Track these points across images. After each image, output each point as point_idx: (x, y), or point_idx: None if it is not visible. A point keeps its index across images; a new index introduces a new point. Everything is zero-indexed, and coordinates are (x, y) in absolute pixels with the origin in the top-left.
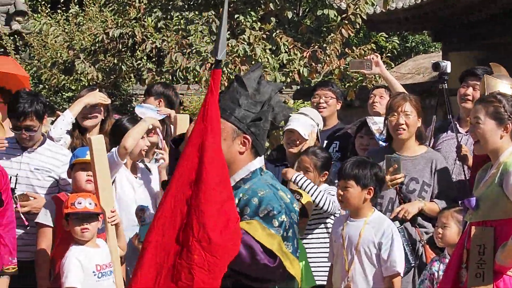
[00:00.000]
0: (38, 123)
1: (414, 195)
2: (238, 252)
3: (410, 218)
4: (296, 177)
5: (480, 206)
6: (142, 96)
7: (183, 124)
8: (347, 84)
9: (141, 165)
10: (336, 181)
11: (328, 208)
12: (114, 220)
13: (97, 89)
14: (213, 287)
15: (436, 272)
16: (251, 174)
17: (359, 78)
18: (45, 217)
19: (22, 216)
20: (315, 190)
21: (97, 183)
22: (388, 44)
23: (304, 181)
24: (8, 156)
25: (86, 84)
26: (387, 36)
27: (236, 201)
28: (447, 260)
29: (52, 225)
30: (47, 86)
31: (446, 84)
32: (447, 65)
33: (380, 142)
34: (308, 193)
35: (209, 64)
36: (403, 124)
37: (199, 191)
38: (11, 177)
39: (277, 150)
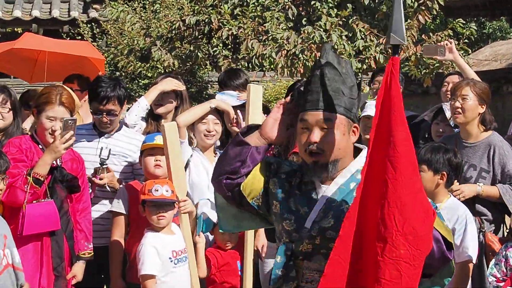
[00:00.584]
0: (119, 108)
1: (470, 182)
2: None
3: (463, 199)
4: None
5: None
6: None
7: (255, 95)
8: (424, 71)
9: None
10: None
11: None
12: (186, 208)
13: (172, 76)
14: (416, 283)
15: (511, 258)
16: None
17: (436, 65)
18: (118, 205)
19: (91, 188)
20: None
21: (171, 170)
22: (465, 30)
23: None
24: (85, 142)
25: (162, 71)
26: (464, 22)
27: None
28: None
29: (125, 213)
30: (123, 74)
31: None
32: None
33: (456, 129)
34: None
35: (285, 50)
36: (458, 108)
37: (397, 184)
38: (102, 150)
39: None
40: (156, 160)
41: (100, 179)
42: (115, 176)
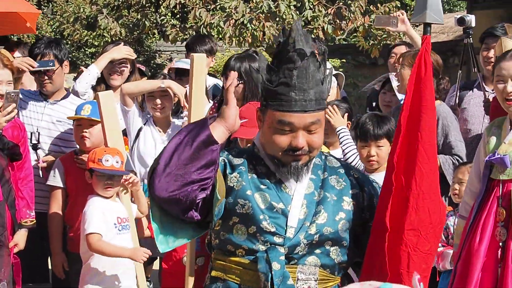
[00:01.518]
0: (57, 65)
1: None
2: None
3: None
4: (341, 128)
5: None
6: (166, 52)
7: (199, 65)
8: (371, 42)
9: (177, 122)
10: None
11: (355, 165)
12: (134, 183)
13: (122, 44)
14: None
15: (451, 226)
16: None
17: (383, 36)
18: (54, 179)
19: (41, 172)
20: (350, 146)
21: (107, 141)
22: (413, 2)
23: (345, 135)
24: (30, 108)
25: (109, 40)
26: None
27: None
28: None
29: (62, 186)
30: (69, 42)
31: (471, 39)
32: (472, 19)
33: (400, 98)
34: (342, 145)
35: (233, 20)
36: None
37: (430, 173)
38: (32, 133)
39: None
40: (83, 132)
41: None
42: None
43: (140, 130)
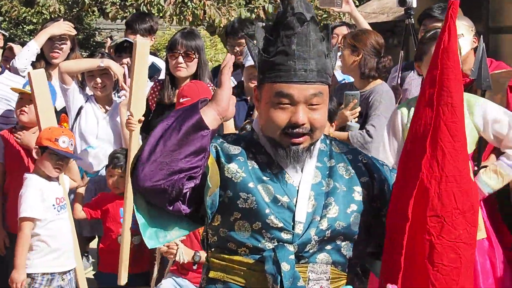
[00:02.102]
0: None
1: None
2: None
3: None
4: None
5: None
6: (106, 30)
7: (142, 50)
8: None
9: (117, 100)
10: None
11: None
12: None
13: (62, 20)
14: (472, 265)
15: None
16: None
17: (324, 16)
18: None
19: None
20: None
21: (39, 119)
22: None
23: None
24: None
25: (48, 17)
26: None
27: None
28: None
29: (1, 161)
30: (7, 18)
31: (412, 19)
32: (413, 0)
33: (340, 78)
34: None
35: None
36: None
37: (456, 155)
38: None
39: (237, 86)
40: (22, 107)
41: None
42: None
43: (81, 108)
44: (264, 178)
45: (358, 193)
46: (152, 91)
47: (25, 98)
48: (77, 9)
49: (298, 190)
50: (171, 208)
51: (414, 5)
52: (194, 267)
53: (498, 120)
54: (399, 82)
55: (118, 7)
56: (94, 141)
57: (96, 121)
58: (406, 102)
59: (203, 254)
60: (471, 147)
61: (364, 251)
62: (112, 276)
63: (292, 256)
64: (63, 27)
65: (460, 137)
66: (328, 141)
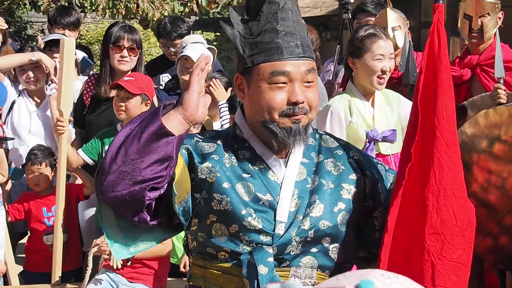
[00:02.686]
0: None
1: None
2: None
3: None
4: (223, 103)
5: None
6: (38, 23)
7: (69, 49)
8: None
9: (49, 92)
10: None
11: None
12: None
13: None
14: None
15: None
16: None
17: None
18: None
19: None
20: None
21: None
22: None
23: (225, 109)
24: None
25: None
26: None
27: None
28: None
29: None
30: None
31: (349, 14)
32: None
33: None
34: (222, 120)
35: None
36: None
37: (453, 166)
38: None
39: (172, 79)
40: None
41: None
42: None
43: (13, 102)
44: (245, 175)
45: (346, 191)
46: (86, 86)
47: None
48: (8, 1)
49: (281, 188)
50: (136, 219)
51: (352, 0)
52: (128, 263)
53: None
54: (333, 76)
55: (50, 0)
56: (26, 136)
57: (28, 115)
58: (344, 98)
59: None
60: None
61: (355, 254)
62: (38, 275)
63: (271, 259)
64: None
65: (456, 148)
66: (317, 136)
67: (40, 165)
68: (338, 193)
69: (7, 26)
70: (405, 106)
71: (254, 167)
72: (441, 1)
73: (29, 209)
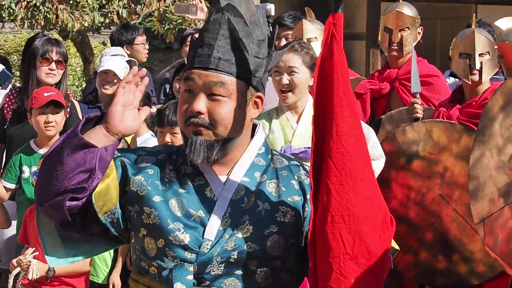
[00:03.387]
0: None
1: None
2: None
3: None
4: None
5: None
6: None
7: None
8: (167, 27)
9: None
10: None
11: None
12: None
13: None
14: None
15: None
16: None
17: (179, 21)
18: None
19: None
20: None
21: None
22: None
23: None
24: None
25: None
26: None
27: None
28: None
29: None
30: None
31: (270, 27)
32: (272, 8)
33: None
34: None
35: (25, 2)
36: None
37: (343, 190)
38: None
39: (92, 92)
40: None
41: None
42: None
43: None
44: (181, 190)
45: (282, 214)
46: (8, 99)
47: None
48: None
49: (215, 205)
50: (67, 230)
51: (273, 13)
52: (47, 281)
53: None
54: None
55: None
56: None
57: None
58: (266, 113)
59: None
60: None
61: (295, 280)
62: None
63: (190, 277)
64: None
65: (347, 170)
66: (270, 156)
67: None
68: (272, 216)
69: None
70: None
71: (193, 182)
72: (340, 10)
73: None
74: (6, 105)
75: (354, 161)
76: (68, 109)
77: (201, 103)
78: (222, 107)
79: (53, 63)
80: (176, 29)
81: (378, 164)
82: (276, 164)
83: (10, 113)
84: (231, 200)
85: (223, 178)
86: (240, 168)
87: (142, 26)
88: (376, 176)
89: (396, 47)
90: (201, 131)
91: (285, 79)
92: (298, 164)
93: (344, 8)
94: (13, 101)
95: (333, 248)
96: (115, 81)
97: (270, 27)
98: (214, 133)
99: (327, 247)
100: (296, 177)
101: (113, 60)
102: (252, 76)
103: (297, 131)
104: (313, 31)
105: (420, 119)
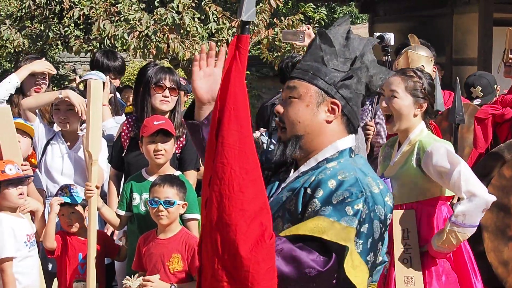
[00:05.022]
0: None
1: None
2: (275, 275)
3: None
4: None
5: (395, 188)
6: (70, 63)
7: (96, 91)
8: (275, 54)
9: (80, 133)
10: None
11: None
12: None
13: (43, 59)
14: None
15: None
16: (337, 154)
17: (287, 48)
18: None
19: None
20: None
21: (3, 156)
22: (316, 14)
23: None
24: None
25: (12, 51)
26: (315, 7)
27: (312, 179)
28: None
29: None
30: None
31: (389, 57)
32: (391, 38)
33: None
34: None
35: (138, 32)
36: None
37: (221, 197)
38: None
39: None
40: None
41: None
42: None
43: (47, 144)
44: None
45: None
46: (125, 127)
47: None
48: (41, 42)
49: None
50: None
51: (392, 42)
52: None
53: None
54: (372, 117)
55: (82, 40)
56: (59, 177)
57: (61, 157)
58: (383, 145)
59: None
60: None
61: None
62: None
63: None
64: (45, 65)
65: (226, 180)
66: (331, 164)
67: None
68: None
69: (55, 72)
70: (428, 158)
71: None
72: (246, 33)
73: (66, 248)
74: (123, 133)
75: (234, 172)
76: (184, 136)
77: (281, 105)
78: (290, 106)
79: (167, 90)
80: (285, 57)
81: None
82: (321, 174)
83: (127, 141)
84: (282, 189)
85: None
86: (303, 166)
87: (251, 53)
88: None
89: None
90: (281, 134)
91: (384, 102)
92: (324, 179)
93: (454, 36)
94: (130, 129)
95: (209, 252)
96: None
97: (389, 56)
98: (286, 131)
99: (208, 251)
100: (305, 186)
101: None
102: (324, 83)
103: (391, 161)
104: (419, 60)
105: None
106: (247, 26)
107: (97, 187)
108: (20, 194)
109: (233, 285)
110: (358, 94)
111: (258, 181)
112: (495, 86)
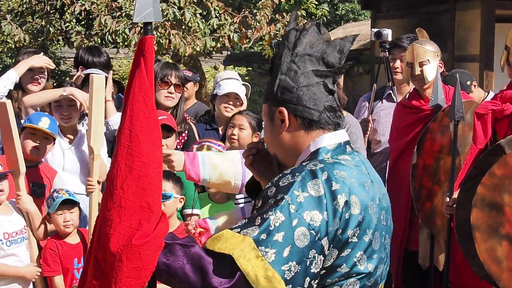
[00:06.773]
0: None
1: None
2: (142, 275)
3: None
4: None
5: None
6: (71, 59)
7: (99, 86)
8: None
9: (81, 129)
10: None
11: None
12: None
13: (42, 53)
14: None
15: None
16: (310, 156)
17: None
18: None
19: None
20: None
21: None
22: (318, 11)
23: None
24: None
25: (13, 46)
26: (317, 3)
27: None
28: None
29: None
30: None
31: (387, 53)
32: (388, 34)
33: None
34: None
35: (139, 27)
36: None
37: (106, 193)
38: None
39: (205, 115)
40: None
41: None
42: None
43: None
44: None
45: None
46: None
47: (38, 135)
48: (42, 38)
49: None
50: None
51: (389, 38)
52: None
53: None
54: (369, 113)
55: (83, 36)
56: (61, 173)
57: (62, 153)
58: None
59: None
60: None
61: None
62: None
63: None
64: (43, 60)
65: (112, 178)
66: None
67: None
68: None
69: (54, 66)
70: None
71: None
72: (149, 33)
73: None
74: None
75: (119, 169)
76: (186, 131)
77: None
78: (265, 133)
79: (172, 87)
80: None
81: None
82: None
83: None
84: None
85: None
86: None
87: (253, 50)
88: None
89: None
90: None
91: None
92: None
93: (456, 32)
94: None
95: (94, 244)
96: (238, 103)
97: (387, 52)
98: (276, 157)
99: (93, 242)
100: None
101: (229, 83)
102: (272, 95)
103: None
104: (424, 54)
105: None
106: (148, 27)
107: (98, 182)
108: (0, 191)
109: (100, 278)
110: (307, 86)
111: (142, 179)
112: (468, 83)
